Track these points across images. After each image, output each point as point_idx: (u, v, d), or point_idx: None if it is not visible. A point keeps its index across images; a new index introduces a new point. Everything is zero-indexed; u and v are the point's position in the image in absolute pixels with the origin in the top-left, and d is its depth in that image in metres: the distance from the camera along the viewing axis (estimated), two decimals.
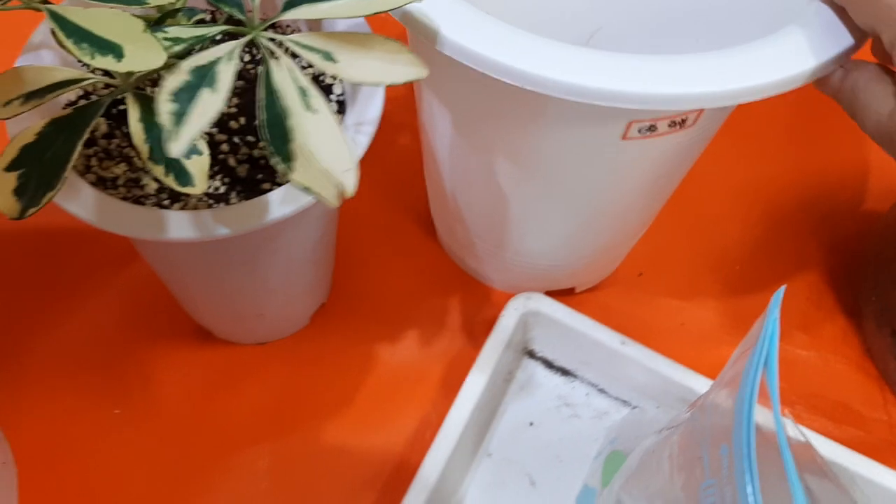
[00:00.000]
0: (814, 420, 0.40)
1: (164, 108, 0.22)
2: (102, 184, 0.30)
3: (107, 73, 0.28)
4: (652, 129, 0.28)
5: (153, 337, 0.41)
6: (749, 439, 0.22)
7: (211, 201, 0.31)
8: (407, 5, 0.25)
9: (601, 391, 0.41)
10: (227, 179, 0.31)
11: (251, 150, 0.32)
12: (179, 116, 0.22)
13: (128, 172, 0.31)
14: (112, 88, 0.28)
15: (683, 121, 0.28)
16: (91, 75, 0.28)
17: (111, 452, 0.38)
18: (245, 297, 0.37)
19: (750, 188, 0.48)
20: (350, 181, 0.24)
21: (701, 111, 0.28)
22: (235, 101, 0.33)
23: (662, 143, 0.30)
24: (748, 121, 0.50)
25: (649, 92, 0.25)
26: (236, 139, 0.32)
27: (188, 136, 0.22)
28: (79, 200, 0.29)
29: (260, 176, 0.31)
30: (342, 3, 0.25)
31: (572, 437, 0.40)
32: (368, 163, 0.29)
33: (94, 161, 0.31)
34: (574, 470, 0.39)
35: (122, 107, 0.32)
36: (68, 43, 0.23)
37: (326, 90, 0.33)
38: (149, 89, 0.27)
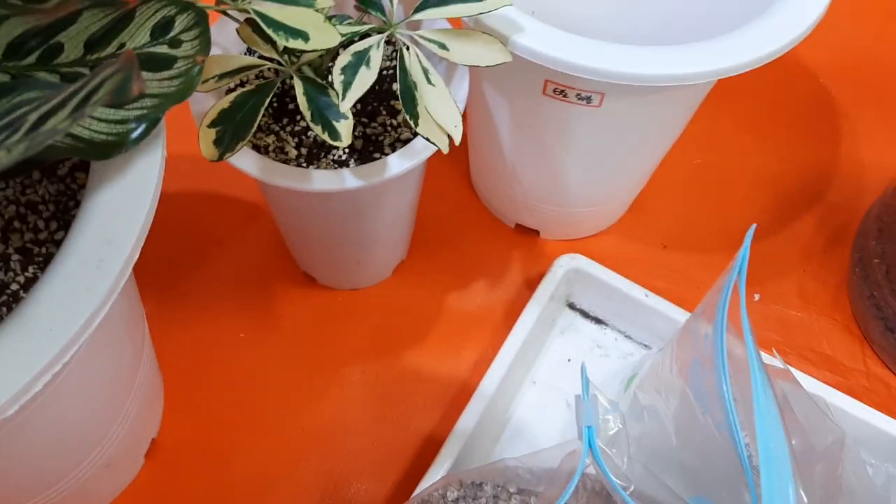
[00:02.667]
0: (802, 367, 0.49)
1: (338, 79, 0.33)
2: (257, 150, 0.41)
3: (274, 60, 0.38)
4: (562, 93, 0.39)
5: (270, 281, 0.51)
6: (721, 323, 0.31)
7: (335, 166, 0.41)
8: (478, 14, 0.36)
9: (628, 337, 0.50)
10: (346, 150, 0.42)
11: (365, 129, 0.42)
12: (347, 85, 0.33)
13: (275, 142, 0.41)
14: (276, 73, 0.39)
15: (588, 98, 0.39)
16: (264, 62, 0.38)
17: (237, 367, 0.48)
18: (349, 245, 0.47)
19: (763, 180, 0.58)
20: (457, 134, 0.34)
21: (603, 95, 0.38)
22: None
23: (579, 111, 0.40)
24: (763, 122, 0.60)
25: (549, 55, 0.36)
26: (353, 120, 0.43)
27: (353, 97, 0.33)
28: (247, 160, 0.39)
29: (371, 148, 0.42)
30: (451, 8, 0.35)
31: (603, 372, 0.49)
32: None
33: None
34: None
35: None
36: (269, 30, 0.33)
37: None
38: (306, 70, 0.38)
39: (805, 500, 0.29)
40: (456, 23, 0.40)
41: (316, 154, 0.41)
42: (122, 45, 0.29)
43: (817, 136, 0.60)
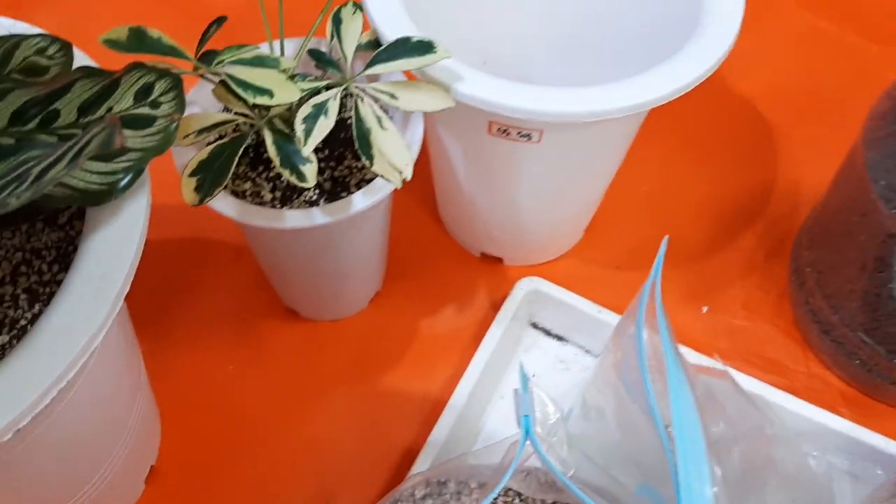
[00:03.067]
0: (750, 371, 0.53)
1: (299, 127, 0.38)
2: (235, 195, 0.46)
3: (247, 115, 0.43)
4: (505, 132, 0.43)
5: (255, 317, 0.56)
6: (640, 319, 0.35)
7: (307, 206, 0.46)
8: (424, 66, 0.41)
9: (587, 352, 0.55)
10: (317, 191, 0.46)
11: (333, 171, 0.47)
12: (308, 132, 0.38)
13: (251, 187, 0.46)
14: (250, 126, 0.44)
15: (529, 135, 0.43)
16: (236, 117, 0.43)
17: (229, 396, 0.53)
18: (327, 279, 0.51)
19: (707, 201, 0.63)
20: (408, 171, 0.39)
21: (542, 132, 0.43)
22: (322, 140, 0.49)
23: (522, 148, 0.45)
24: (705, 149, 0.65)
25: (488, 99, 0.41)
26: (322, 164, 0.47)
27: (313, 143, 0.38)
28: (226, 204, 0.44)
29: (339, 189, 0.46)
30: (397, 62, 0.40)
31: (565, 384, 0.53)
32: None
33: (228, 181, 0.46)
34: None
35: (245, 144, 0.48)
36: (238, 90, 0.38)
37: None
38: (276, 122, 0.43)
39: (719, 473, 0.33)
40: (410, 75, 0.45)
41: (289, 196, 0.45)
42: (110, 109, 0.34)
43: (755, 158, 0.65)
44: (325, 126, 0.38)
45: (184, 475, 0.50)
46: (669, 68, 0.43)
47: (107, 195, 0.32)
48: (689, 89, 0.42)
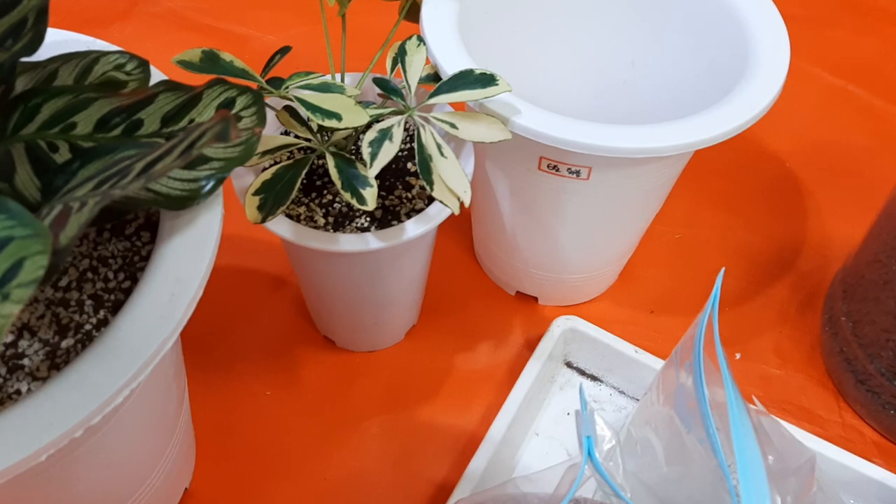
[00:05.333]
0: (783, 418, 0.53)
1: (366, 151, 0.39)
2: (289, 219, 0.46)
3: (308, 140, 0.45)
4: (555, 168, 0.45)
5: (292, 345, 0.56)
6: (699, 347, 0.36)
7: (358, 232, 0.46)
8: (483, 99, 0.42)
9: (621, 392, 0.55)
10: (368, 219, 0.47)
11: (384, 201, 0.48)
12: (374, 156, 0.39)
13: (305, 212, 0.47)
14: (310, 151, 0.45)
15: (578, 172, 0.45)
16: (298, 141, 0.44)
17: (264, 423, 0.53)
18: (369, 307, 0.52)
19: (739, 252, 0.64)
20: (467, 197, 0.40)
21: (590, 169, 0.44)
22: None
23: (571, 185, 0.46)
24: (737, 202, 0.66)
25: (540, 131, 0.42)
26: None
27: (378, 166, 0.39)
28: (283, 226, 0.44)
29: (389, 217, 0.47)
30: (460, 93, 0.42)
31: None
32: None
33: None
34: None
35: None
36: (308, 113, 0.39)
37: None
38: (332, 150, 0.44)
39: (779, 500, 0.33)
40: (459, 107, 0.47)
41: (341, 222, 0.46)
42: (192, 121, 0.35)
43: (786, 213, 0.66)
44: (390, 150, 0.40)
45: (217, 499, 0.49)
46: (719, 111, 0.44)
47: (189, 200, 0.33)
48: (739, 132, 0.43)
